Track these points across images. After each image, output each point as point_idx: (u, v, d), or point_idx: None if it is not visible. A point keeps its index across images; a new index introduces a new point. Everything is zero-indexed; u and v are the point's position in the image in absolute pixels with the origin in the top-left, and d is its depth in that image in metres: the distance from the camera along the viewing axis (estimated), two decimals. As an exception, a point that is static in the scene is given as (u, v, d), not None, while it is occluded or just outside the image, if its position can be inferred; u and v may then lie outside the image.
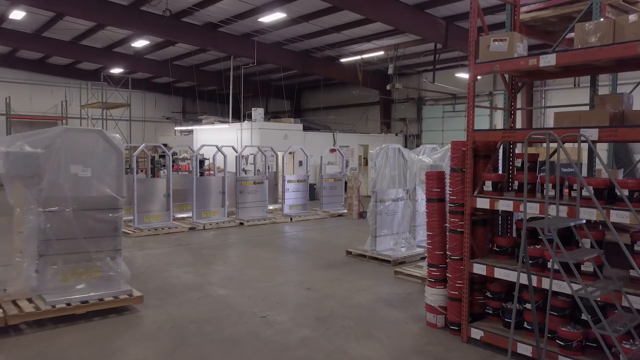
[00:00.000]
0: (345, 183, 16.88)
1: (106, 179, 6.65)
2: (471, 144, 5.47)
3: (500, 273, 5.20)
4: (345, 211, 16.02)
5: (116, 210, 6.70)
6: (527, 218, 5.58)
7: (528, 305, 5.15)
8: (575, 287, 4.17)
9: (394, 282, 8.16)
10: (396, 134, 25.00)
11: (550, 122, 20.23)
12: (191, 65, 25.24)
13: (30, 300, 6.19)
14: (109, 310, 6.45)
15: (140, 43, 21.05)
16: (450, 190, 5.76)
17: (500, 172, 6.08)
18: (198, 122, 25.12)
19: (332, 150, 19.65)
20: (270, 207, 15.73)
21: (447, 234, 5.87)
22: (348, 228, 13.82)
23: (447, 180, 5.96)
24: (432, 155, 8.37)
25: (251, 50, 19.91)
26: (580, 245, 4.70)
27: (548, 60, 4.80)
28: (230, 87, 21.96)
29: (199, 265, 9.25)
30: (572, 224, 4.29)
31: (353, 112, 27.41)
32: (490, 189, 5.38)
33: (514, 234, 6.15)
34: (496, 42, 5.26)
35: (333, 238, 12.28)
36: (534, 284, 4.84)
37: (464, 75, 21.26)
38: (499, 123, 22.07)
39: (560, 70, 5.47)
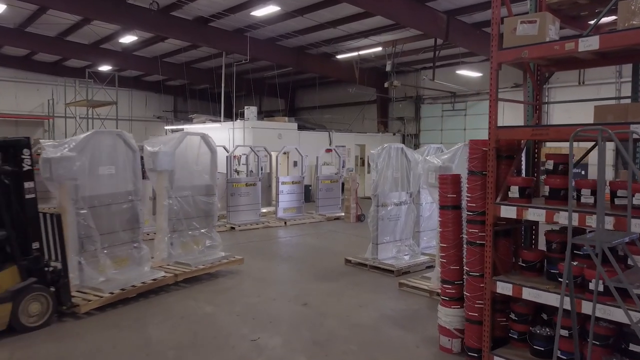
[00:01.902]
0: (342, 184, 16.12)
1: (206, 171, 9.05)
2: (494, 143, 4.71)
3: (529, 294, 4.45)
4: (343, 214, 15.25)
5: (213, 195, 9.03)
6: (558, 231, 4.87)
7: (563, 332, 4.40)
8: (635, 316, 3.42)
9: (399, 296, 7.40)
10: (394, 134, 24.27)
11: (555, 120, 19.54)
12: (182, 62, 24.34)
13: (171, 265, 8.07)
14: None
15: (128, 39, 20.16)
16: (468, 197, 5.00)
17: (523, 175, 5.33)
18: (189, 121, 24.31)
19: (328, 150, 18.90)
20: (264, 210, 14.93)
21: (465, 246, 5.11)
22: (345, 232, 13.06)
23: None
24: (441, 156, 7.60)
25: (244, 47, 19.07)
26: (630, 263, 3.95)
27: (589, 44, 4.05)
28: (222, 84, 21.14)
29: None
30: (627, 238, 3.54)
31: (349, 111, 26.64)
32: (517, 195, 4.63)
33: (539, 246, 5.41)
34: (524, 25, 4.51)
35: (330, 244, 11.51)
36: (569, 306, 4.08)
37: (465, 73, 20.57)
38: (500, 122, 21.29)
39: (596, 58, 4.72)
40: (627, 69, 18.14)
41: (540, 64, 5.17)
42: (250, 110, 20.30)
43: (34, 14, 17.95)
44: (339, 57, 21.13)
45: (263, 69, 24.94)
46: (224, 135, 19.45)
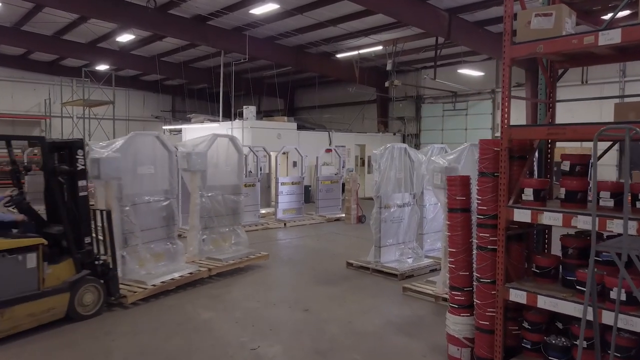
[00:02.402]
0: (343, 185, 15.87)
1: (234, 171, 9.47)
2: (507, 143, 4.46)
3: (545, 302, 4.20)
4: (343, 215, 15.00)
5: (240, 194, 9.53)
6: (575, 235, 4.63)
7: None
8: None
9: (403, 301, 7.16)
10: (394, 134, 24.03)
11: (557, 119, 19.25)
12: (180, 61, 24.14)
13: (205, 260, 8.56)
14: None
15: (125, 37, 19.92)
16: (478, 199, 4.75)
17: (535, 176, 5.09)
18: (187, 121, 24.05)
19: (328, 150, 18.64)
20: (263, 212, 14.66)
21: (475, 251, 4.86)
22: (346, 234, 12.82)
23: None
24: (446, 156, 7.36)
25: (242, 45, 18.81)
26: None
27: (610, 37, 3.80)
28: (221, 83, 20.89)
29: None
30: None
31: (349, 111, 26.41)
32: (531, 197, 4.38)
33: (551, 251, 5.17)
34: (539, 18, 4.26)
35: (331, 246, 11.26)
36: (591, 317, 3.84)
37: (467, 72, 20.33)
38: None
39: (614, 53, 4.48)
40: (631, 68, 18.03)
41: (554, 59, 4.92)
42: (249, 110, 20.05)
43: (29, 12, 17.72)
44: (339, 56, 20.89)
45: (262, 68, 24.70)
46: (223, 135, 19.17)
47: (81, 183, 6.30)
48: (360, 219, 14.42)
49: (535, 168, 5.13)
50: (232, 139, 9.54)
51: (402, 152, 8.95)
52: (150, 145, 7.95)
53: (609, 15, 4.78)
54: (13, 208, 6.18)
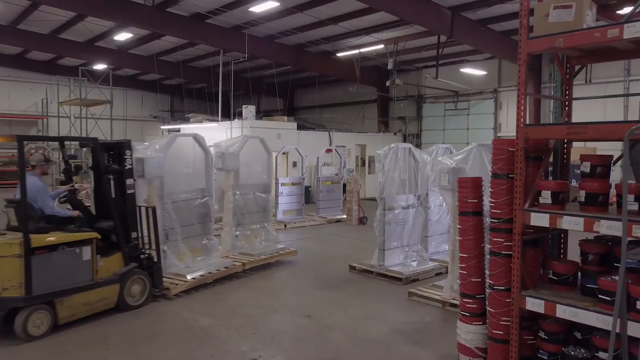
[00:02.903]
0: (344, 185, 15.62)
1: (264, 170, 9.95)
2: (523, 143, 4.22)
3: (565, 312, 3.96)
4: (344, 216, 14.75)
5: (269, 193, 9.97)
6: (595, 240, 4.39)
7: (602, 354, 3.93)
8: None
9: (409, 306, 6.92)
10: (395, 133, 23.78)
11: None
12: (178, 61, 23.87)
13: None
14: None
15: (123, 36, 19.62)
16: (492, 202, 4.51)
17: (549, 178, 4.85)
18: (186, 120, 23.78)
19: (329, 151, 18.37)
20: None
21: (488, 257, 4.62)
22: (348, 236, 12.57)
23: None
24: (454, 157, 7.12)
25: (242, 44, 18.53)
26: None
27: (637, 29, 3.56)
28: (220, 82, 20.62)
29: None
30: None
31: (349, 111, 26.16)
32: (549, 200, 4.14)
33: (568, 256, 4.94)
34: (558, 10, 4.02)
35: (332, 248, 11.01)
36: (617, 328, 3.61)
37: (470, 71, 20.10)
38: (504, 122, 20.94)
39: (636, 48, 4.23)
40: (635, 67, 17.80)
41: (572, 55, 4.67)
42: (249, 110, 19.77)
43: (25, 10, 17.43)
44: (340, 55, 20.64)
45: (261, 67, 24.44)
46: (222, 135, 18.87)
47: (129, 181, 6.72)
48: (362, 221, 14.18)
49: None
50: (262, 140, 10.03)
51: (406, 152, 8.71)
52: (189, 145, 8.46)
53: (626, 9, 4.55)
54: (63, 203, 6.71)
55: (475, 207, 4.91)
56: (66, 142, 8.44)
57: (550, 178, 4.88)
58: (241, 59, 20.28)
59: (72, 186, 6.72)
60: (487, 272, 4.70)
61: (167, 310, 6.70)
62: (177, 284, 7.30)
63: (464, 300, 4.91)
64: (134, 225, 6.75)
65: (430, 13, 14.78)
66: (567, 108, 4.84)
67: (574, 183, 5.51)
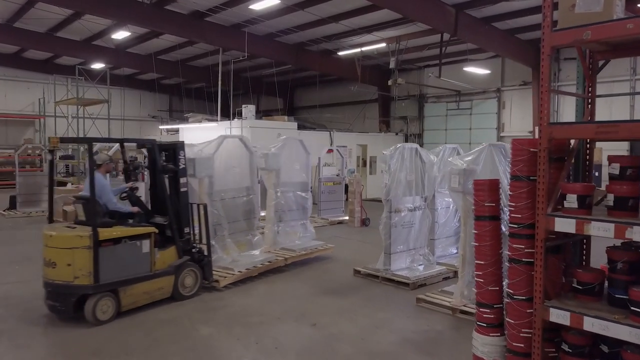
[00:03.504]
0: (346, 186, 15.33)
1: (304, 170, 10.28)
2: (546, 143, 3.93)
3: (593, 325, 3.68)
4: (347, 218, 14.47)
5: (308, 191, 10.22)
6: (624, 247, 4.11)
7: (634, 371, 3.65)
8: None
9: (418, 314, 6.63)
10: (396, 133, 23.50)
11: (565, 120, 18.77)
12: (177, 60, 23.56)
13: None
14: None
15: (121, 34, 19.35)
16: (511, 206, 4.23)
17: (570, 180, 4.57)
18: (185, 120, 23.48)
19: (330, 151, 18.08)
20: (263, 214, 14.06)
21: (507, 264, 4.33)
22: (351, 238, 12.29)
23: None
24: (464, 157, 6.83)
25: (241, 43, 18.25)
26: None
27: (674, 20, 3.28)
28: (219, 81, 20.32)
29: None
30: None
31: (349, 110, 25.88)
32: (575, 205, 3.86)
33: (590, 264, 4.66)
34: (586, 0, 3.73)
35: (335, 251, 10.63)
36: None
37: (473, 70, 19.83)
38: (507, 122, 20.67)
39: (668, 41, 3.95)
40: (641, 65, 17.56)
41: (597, 49, 4.39)
42: (249, 109, 19.48)
43: (21, 8, 17.18)
44: (341, 53, 20.38)
45: (261, 66, 24.17)
46: (221, 135, 18.64)
47: (182, 180, 7.20)
48: (364, 222, 13.89)
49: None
50: (301, 142, 10.39)
51: (412, 152, 8.42)
52: (236, 146, 9.02)
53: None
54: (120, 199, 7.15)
55: (493, 211, 4.64)
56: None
57: (570, 180, 4.60)
58: (241, 58, 20.01)
59: (132, 185, 7.30)
60: (505, 280, 4.42)
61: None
62: (225, 277, 7.77)
63: (481, 310, 4.63)
64: (186, 220, 7.23)
65: (434, 10, 14.52)
66: (589, 106, 4.56)
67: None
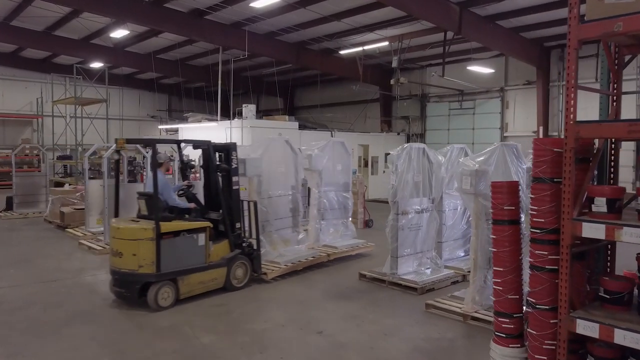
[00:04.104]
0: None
1: (345, 171, 10.56)
2: (573, 143, 3.68)
3: (625, 338, 3.44)
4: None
5: (349, 191, 10.62)
6: None
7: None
8: None
9: (428, 320, 6.38)
10: (398, 133, 23.26)
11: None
12: (177, 59, 23.26)
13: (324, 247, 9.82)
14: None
15: (119, 33, 19.04)
16: (533, 210, 3.99)
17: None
18: (184, 120, 23.23)
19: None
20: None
21: (529, 271, 4.09)
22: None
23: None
24: (476, 158, 6.57)
25: (242, 41, 17.98)
26: None
27: None
28: (219, 81, 20.06)
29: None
30: None
31: (350, 110, 25.62)
32: (604, 209, 3.62)
33: (615, 271, 4.41)
34: (617, -11, 3.49)
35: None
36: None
37: (477, 69, 19.58)
38: (511, 122, 20.43)
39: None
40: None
41: (625, 42, 4.12)
42: (249, 109, 19.22)
43: (19, 6, 16.87)
44: (342, 52, 20.10)
45: (261, 65, 23.91)
46: (221, 135, 18.38)
47: (234, 179, 7.72)
48: (367, 224, 13.65)
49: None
50: (342, 144, 10.66)
51: (420, 152, 8.16)
52: (282, 147, 9.49)
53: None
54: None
55: (512, 215, 4.40)
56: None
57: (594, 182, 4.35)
58: (241, 57, 19.75)
59: (189, 183, 7.82)
60: (526, 287, 4.17)
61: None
62: (272, 270, 8.24)
63: (500, 319, 4.39)
64: (238, 216, 7.75)
65: (438, 8, 14.27)
66: (615, 104, 4.30)
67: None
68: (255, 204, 8.12)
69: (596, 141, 4.18)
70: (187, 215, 7.34)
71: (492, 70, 19.85)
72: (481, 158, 6.48)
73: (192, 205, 7.56)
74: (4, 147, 24.17)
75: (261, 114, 25.44)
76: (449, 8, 14.43)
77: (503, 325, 4.36)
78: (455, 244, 9.01)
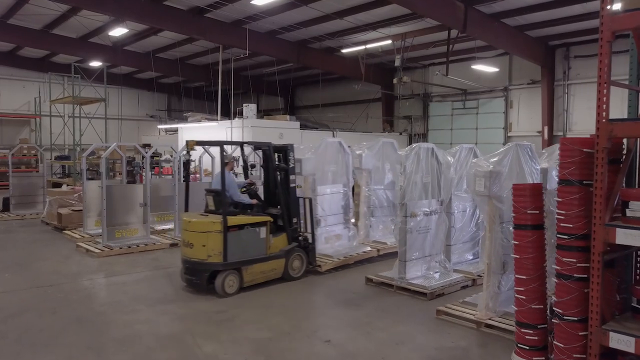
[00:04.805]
0: (352, 188, 14.76)
1: (392, 169, 10.49)
2: (605, 143, 3.42)
3: (665, 354, 3.18)
4: (353, 221, 13.89)
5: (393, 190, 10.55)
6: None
7: None
8: None
9: (439, 328, 6.10)
10: (400, 133, 23.01)
11: (575, 120, 18.32)
12: (176, 58, 22.99)
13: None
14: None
15: (118, 31, 18.75)
16: (561, 215, 3.73)
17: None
18: (184, 120, 22.96)
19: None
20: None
21: (555, 280, 3.83)
22: (358, 242, 11.76)
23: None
24: (489, 158, 6.30)
25: (242, 40, 17.72)
26: None
27: None
28: (219, 80, 19.80)
29: (179, 300, 7.14)
30: None
31: (352, 110, 25.37)
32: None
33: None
34: (655, -24, 3.23)
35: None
36: None
37: (481, 68, 19.31)
38: (515, 122, 20.19)
39: None
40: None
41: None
42: (250, 108, 18.94)
43: (16, 4, 16.60)
44: (345, 51, 19.82)
45: (262, 65, 23.67)
46: (221, 135, 18.13)
47: (292, 177, 8.29)
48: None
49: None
50: (392, 144, 10.83)
51: (428, 153, 7.90)
52: (334, 148, 10.04)
53: None
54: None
55: (536, 220, 4.15)
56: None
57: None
58: (241, 56, 19.48)
59: (251, 181, 8.46)
60: (552, 297, 3.91)
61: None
62: (326, 262, 8.76)
63: (522, 330, 4.13)
64: (295, 212, 8.27)
65: (443, 6, 14.03)
66: (645, 100, 4.04)
67: None
68: (310, 200, 8.70)
69: (625, 141, 3.94)
70: (249, 210, 7.97)
71: (496, 69, 19.59)
72: (495, 159, 6.20)
73: (254, 201, 8.17)
74: (1, 147, 23.87)
75: (261, 113, 25.16)
76: (454, 5, 14.18)
77: (526, 337, 4.10)
78: (464, 247, 8.74)
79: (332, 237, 9.62)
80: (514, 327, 5.53)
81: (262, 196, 8.42)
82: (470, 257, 8.82)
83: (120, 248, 10.05)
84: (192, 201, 11.40)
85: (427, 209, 7.84)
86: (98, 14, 16.43)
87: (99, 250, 9.85)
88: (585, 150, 3.63)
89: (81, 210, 12.01)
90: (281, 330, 5.94)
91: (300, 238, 8.28)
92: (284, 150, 8.32)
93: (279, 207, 8.05)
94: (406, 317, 6.50)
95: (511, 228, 6.10)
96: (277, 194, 8.09)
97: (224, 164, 7.62)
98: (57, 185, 17.31)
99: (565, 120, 18.44)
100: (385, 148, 10.60)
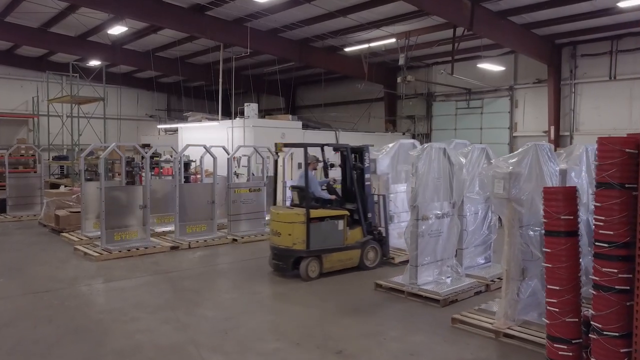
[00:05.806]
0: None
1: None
2: (652, 142, 3.12)
3: None
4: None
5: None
6: None
7: None
8: None
9: (455, 337, 5.79)
10: (403, 133, 22.70)
11: (582, 120, 18.01)
12: (176, 57, 22.67)
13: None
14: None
15: (117, 30, 18.40)
16: (599, 221, 3.42)
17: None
18: (184, 119, 22.64)
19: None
20: (268, 218, 13.24)
21: (593, 292, 3.52)
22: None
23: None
24: (508, 159, 5.99)
25: (244, 38, 17.38)
26: None
27: None
28: (220, 79, 19.48)
29: (180, 307, 6.82)
30: None
31: (354, 109, 25.05)
32: (692, 220, 3.05)
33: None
34: None
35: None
36: None
37: (487, 67, 19.00)
38: (520, 121, 19.90)
39: None
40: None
41: None
42: (251, 108, 18.64)
43: (13, 1, 16.27)
44: (348, 49, 19.51)
45: (263, 64, 23.34)
46: (222, 135, 17.81)
47: (367, 175, 8.99)
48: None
49: None
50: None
51: (440, 153, 7.59)
52: (406, 148, 10.27)
53: None
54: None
55: (570, 226, 3.84)
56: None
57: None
58: (242, 55, 19.17)
59: (330, 179, 9.38)
60: (589, 311, 3.61)
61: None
62: (399, 255, 9.42)
63: (555, 345, 3.83)
64: (370, 207, 8.95)
65: (450, 3, 13.73)
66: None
67: None
68: (384, 197, 9.36)
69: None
70: (329, 205, 8.87)
71: (502, 68, 19.29)
72: (514, 160, 5.89)
73: (333, 197, 9.10)
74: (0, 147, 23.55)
75: (262, 113, 24.81)
76: (461, 3, 13.88)
77: (559, 352, 3.80)
78: (475, 251, 8.43)
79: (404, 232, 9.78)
80: (534, 337, 5.29)
81: (340, 193, 9.26)
82: (482, 261, 8.53)
83: (120, 251, 9.75)
84: (193, 201, 11.34)
85: (439, 212, 7.53)
86: (97, 11, 16.08)
87: (98, 254, 9.55)
88: (627, 150, 3.33)
89: (79, 211, 11.70)
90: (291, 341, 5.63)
91: (374, 232, 9.00)
92: (360, 151, 9.05)
93: (355, 202, 8.77)
94: (420, 325, 6.18)
95: (530, 232, 5.84)
96: (354, 191, 8.81)
97: (307, 164, 8.60)
98: (55, 186, 17.03)
99: (572, 120, 18.14)
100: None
